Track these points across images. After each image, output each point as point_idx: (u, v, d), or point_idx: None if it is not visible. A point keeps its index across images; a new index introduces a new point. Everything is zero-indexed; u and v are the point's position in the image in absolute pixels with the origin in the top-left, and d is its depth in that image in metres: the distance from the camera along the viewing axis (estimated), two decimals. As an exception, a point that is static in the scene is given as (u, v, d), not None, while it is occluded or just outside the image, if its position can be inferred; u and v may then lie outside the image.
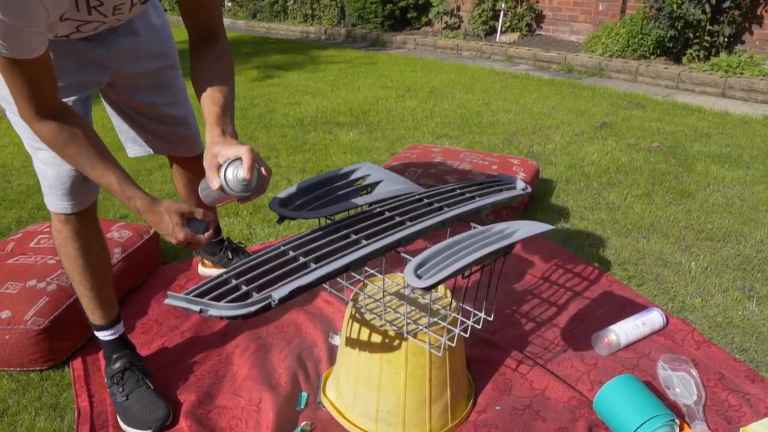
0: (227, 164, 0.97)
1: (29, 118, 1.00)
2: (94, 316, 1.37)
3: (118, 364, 1.37)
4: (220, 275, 1.02)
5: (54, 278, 1.58)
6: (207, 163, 1.00)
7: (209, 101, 1.10)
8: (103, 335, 1.39)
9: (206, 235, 1.12)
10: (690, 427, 1.25)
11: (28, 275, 1.59)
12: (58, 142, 1.03)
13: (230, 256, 1.83)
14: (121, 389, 1.34)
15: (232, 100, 1.13)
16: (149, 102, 1.36)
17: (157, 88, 1.35)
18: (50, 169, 1.21)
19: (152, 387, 1.35)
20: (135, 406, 1.31)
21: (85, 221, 1.29)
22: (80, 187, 1.24)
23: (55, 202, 1.25)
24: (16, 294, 1.52)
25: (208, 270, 1.89)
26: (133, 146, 1.47)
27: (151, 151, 1.48)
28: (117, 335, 1.40)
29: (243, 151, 0.96)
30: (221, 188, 0.98)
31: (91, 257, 1.32)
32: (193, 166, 1.60)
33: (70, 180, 1.22)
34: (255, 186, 0.98)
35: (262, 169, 0.99)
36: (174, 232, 1.08)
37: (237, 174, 0.95)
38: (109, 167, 1.06)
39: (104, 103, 1.41)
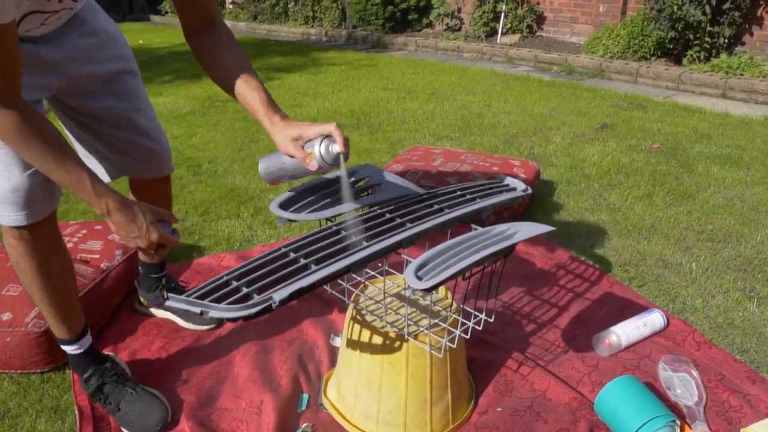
0: (319, 142, 1.05)
1: None
2: (58, 330, 1.28)
3: (91, 382, 1.31)
4: (221, 276, 1.02)
5: (55, 280, 1.58)
6: (290, 147, 1.06)
7: (247, 88, 1.11)
8: (69, 349, 1.31)
9: (176, 237, 1.11)
10: (691, 427, 1.25)
11: (30, 277, 1.59)
12: (23, 134, 0.93)
13: (165, 297, 1.62)
14: (108, 403, 1.30)
15: (262, 82, 1.15)
16: (106, 105, 1.26)
17: (115, 92, 1.27)
18: (1, 178, 1.09)
19: (137, 389, 1.31)
20: (130, 414, 1.28)
21: (44, 232, 1.17)
22: (39, 195, 1.12)
23: (7, 214, 1.11)
24: (17, 296, 1.52)
25: (143, 309, 1.70)
26: (100, 170, 1.35)
27: (115, 175, 1.36)
28: (83, 349, 1.32)
29: (332, 129, 1.04)
30: (319, 166, 1.05)
31: (50, 274, 1.20)
32: (164, 189, 1.48)
33: (25, 187, 1.10)
34: (346, 157, 1.06)
35: None
36: (148, 232, 1.05)
37: (332, 149, 1.04)
38: (79, 164, 1.00)
39: (61, 123, 1.31)
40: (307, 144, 1.07)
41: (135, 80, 1.33)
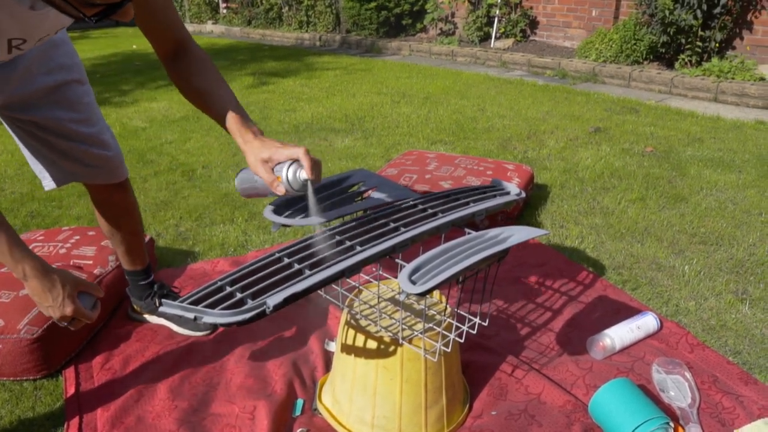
0: (287, 167, 1.02)
1: None
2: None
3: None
4: (215, 282, 1.02)
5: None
6: (260, 169, 1.04)
7: (221, 108, 1.08)
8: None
9: (95, 311, 1.09)
10: (684, 429, 1.25)
11: (22, 284, 1.58)
12: None
13: (157, 304, 1.65)
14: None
15: (237, 101, 1.12)
16: (52, 117, 1.25)
17: (60, 103, 1.25)
18: None
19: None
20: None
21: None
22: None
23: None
24: (9, 303, 1.51)
25: (137, 316, 1.70)
26: (47, 176, 1.36)
27: (63, 181, 1.37)
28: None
29: (300, 154, 1.00)
30: (286, 191, 1.03)
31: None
32: (118, 196, 1.47)
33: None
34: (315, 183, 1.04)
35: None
36: (63, 304, 1.03)
37: (299, 175, 1.01)
38: (1, 223, 0.99)
39: (10, 131, 1.31)
40: (277, 166, 1.04)
41: (81, 88, 1.30)
